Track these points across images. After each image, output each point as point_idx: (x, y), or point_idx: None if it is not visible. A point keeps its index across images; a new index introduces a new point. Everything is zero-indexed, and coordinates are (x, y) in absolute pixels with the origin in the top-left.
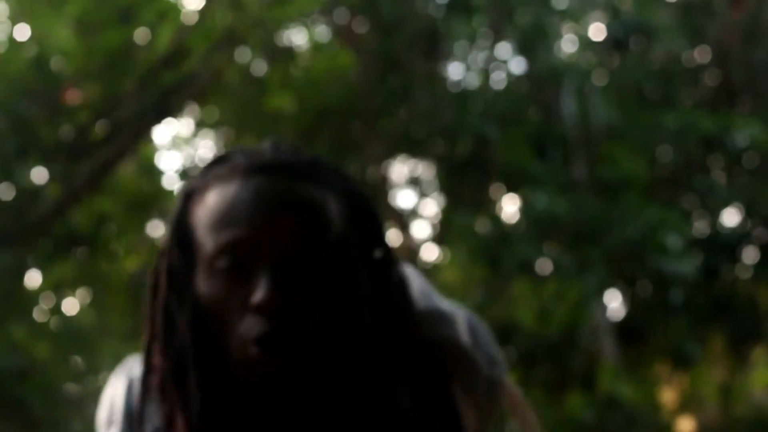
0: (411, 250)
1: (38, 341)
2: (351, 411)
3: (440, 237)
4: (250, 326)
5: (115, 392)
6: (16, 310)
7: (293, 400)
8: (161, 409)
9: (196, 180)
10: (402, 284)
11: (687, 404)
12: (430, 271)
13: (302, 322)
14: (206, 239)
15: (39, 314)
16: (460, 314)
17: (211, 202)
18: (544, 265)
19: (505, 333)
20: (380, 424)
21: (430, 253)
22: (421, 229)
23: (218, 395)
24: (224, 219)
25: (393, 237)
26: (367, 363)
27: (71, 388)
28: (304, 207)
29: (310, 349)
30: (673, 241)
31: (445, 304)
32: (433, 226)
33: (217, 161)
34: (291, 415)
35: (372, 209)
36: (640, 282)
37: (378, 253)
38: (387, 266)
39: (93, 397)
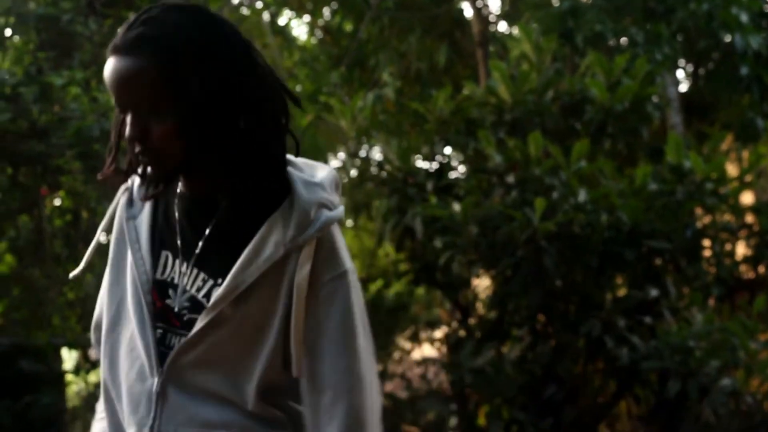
0: (485, 23)
1: None
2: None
3: (513, 10)
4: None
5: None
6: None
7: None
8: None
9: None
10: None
11: (750, 178)
12: (503, 44)
13: (149, 143)
14: None
15: None
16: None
17: None
18: (615, 39)
19: (576, 106)
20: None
21: (504, 26)
22: (494, 2)
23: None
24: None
25: (467, 9)
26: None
27: None
28: (126, 77)
29: (165, 161)
30: (744, 15)
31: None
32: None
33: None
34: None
35: (183, 59)
36: (709, 57)
37: (200, 83)
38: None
39: None
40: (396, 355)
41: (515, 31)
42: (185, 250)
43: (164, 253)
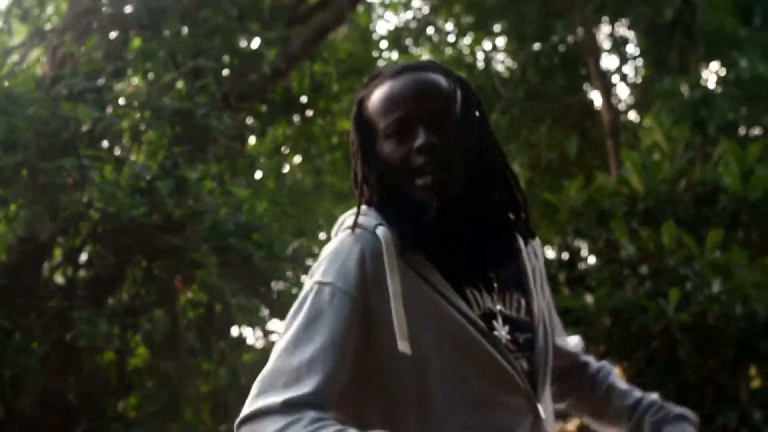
0: (615, 113)
1: (259, 200)
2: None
3: (644, 100)
4: (416, 163)
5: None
6: (238, 171)
7: (447, 207)
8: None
9: (363, 91)
10: (491, 131)
11: None
12: (634, 133)
13: (445, 154)
14: (379, 121)
15: (259, 175)
16: None
17: (376, 98)
18: (748, 127)
19: (709, 195)
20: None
21: (634, 115)
22: (624, 92)
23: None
24: (390, 105)
25: (597, 99)
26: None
27: (289, 243)
28: (436, 85)
29: (452, 171)
30: None
31: None
32: (637, 89)
33: (373, 77)
34: (446, 216)
35: (470, 86)
36: None
37: (477, 111)
38: (483, 118)
39: (309, 253)
40: None
41: (646, 120)
42: (483, 280)
43: (468, 290)
